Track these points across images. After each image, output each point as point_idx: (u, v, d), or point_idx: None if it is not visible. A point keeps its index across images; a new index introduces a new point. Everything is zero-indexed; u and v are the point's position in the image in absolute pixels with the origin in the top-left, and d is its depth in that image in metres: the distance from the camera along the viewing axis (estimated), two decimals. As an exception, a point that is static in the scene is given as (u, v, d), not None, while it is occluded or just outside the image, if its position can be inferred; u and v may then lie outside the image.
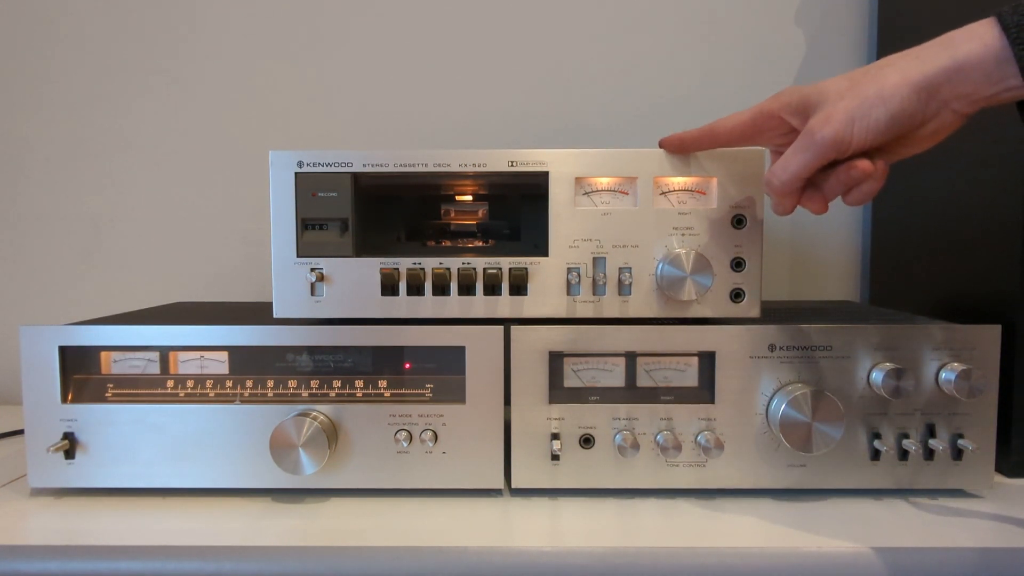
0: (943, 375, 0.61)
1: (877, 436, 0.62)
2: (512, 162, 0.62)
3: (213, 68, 0.99)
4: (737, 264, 0.63)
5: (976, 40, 0.48)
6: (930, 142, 0.53)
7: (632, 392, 0.63)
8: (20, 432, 0.79)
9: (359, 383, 0.64)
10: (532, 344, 0.62)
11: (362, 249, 0.64)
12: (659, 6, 0.97)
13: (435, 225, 0.67)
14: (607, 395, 0.63)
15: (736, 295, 0.63)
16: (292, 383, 0.63)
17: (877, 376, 0.61)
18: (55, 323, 0.64)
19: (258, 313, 0.73)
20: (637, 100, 0.98)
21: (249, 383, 0.64)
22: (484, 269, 0.63)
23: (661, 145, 0.62)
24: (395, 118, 0.99)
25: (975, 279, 0.72)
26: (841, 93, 0.52)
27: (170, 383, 0.64)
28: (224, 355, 0.64)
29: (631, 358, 0.63)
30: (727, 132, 0.59)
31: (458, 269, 0.63)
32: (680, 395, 0.63)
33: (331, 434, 0.61)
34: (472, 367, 0.62)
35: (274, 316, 0.63)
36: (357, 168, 0.63)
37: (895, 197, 0.89)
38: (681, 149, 0.62)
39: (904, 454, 0.62)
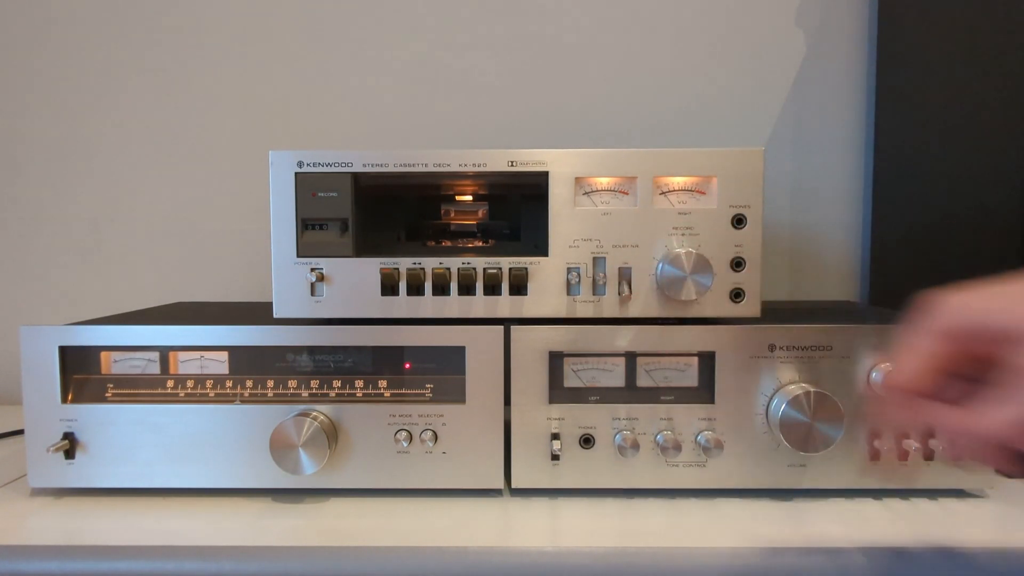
0: (943, 375, 0.61)
1: (877, 436, 0.62)
2: (512, 162, 0.62)
3: (213, 68, 0.99)
4: (737, 264, 0.63)
5: None
6: None
7: (632, 392, 0.63)
8: (20, 432, 0.79)
9: (359, 383, 0.63)
10: (532, 344, 0.62)
11: (362, 249, 0.64)
12: (659, 6, 0.97)
13: (435, 225, 0.67)
14: (607, 395, 0.63)
15: (736, 295, 0.63)
16: (292, 383, 0.63)
17: (877, 376, 0.61)
18: (55, 323, 0.64)
19: (258, 313, 0.73)
20: (636, 100, 0.98)
21: (249, 383, 0.64)
22: (484, 269, 0.63)
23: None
24: (395, 118, 0.99)
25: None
26: None
27: (170, 383, 0.64)
28: (224, 355, 0.64)
29: (631, 358, 0.63)
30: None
31: (458, 269, 0.63)
32: (680, 395, 0.63)
33: (331, 434, 0.61)
34: (472, 367, 0.62)
35: (274, 316, 0.63)
36: (357, 168, 0.63)
37: (895, 197, 0.89)
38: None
39: (904, 454, 0.62)
